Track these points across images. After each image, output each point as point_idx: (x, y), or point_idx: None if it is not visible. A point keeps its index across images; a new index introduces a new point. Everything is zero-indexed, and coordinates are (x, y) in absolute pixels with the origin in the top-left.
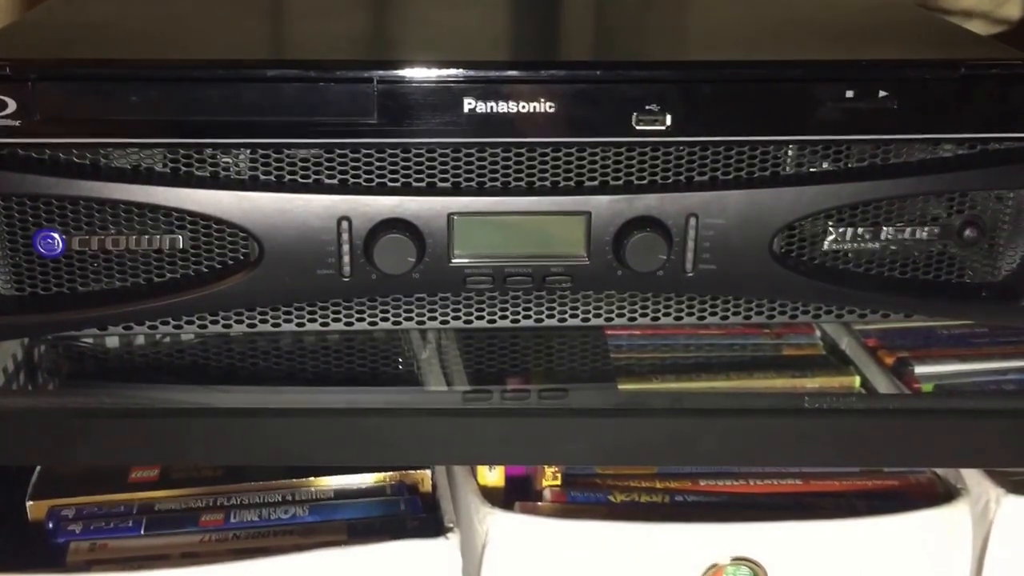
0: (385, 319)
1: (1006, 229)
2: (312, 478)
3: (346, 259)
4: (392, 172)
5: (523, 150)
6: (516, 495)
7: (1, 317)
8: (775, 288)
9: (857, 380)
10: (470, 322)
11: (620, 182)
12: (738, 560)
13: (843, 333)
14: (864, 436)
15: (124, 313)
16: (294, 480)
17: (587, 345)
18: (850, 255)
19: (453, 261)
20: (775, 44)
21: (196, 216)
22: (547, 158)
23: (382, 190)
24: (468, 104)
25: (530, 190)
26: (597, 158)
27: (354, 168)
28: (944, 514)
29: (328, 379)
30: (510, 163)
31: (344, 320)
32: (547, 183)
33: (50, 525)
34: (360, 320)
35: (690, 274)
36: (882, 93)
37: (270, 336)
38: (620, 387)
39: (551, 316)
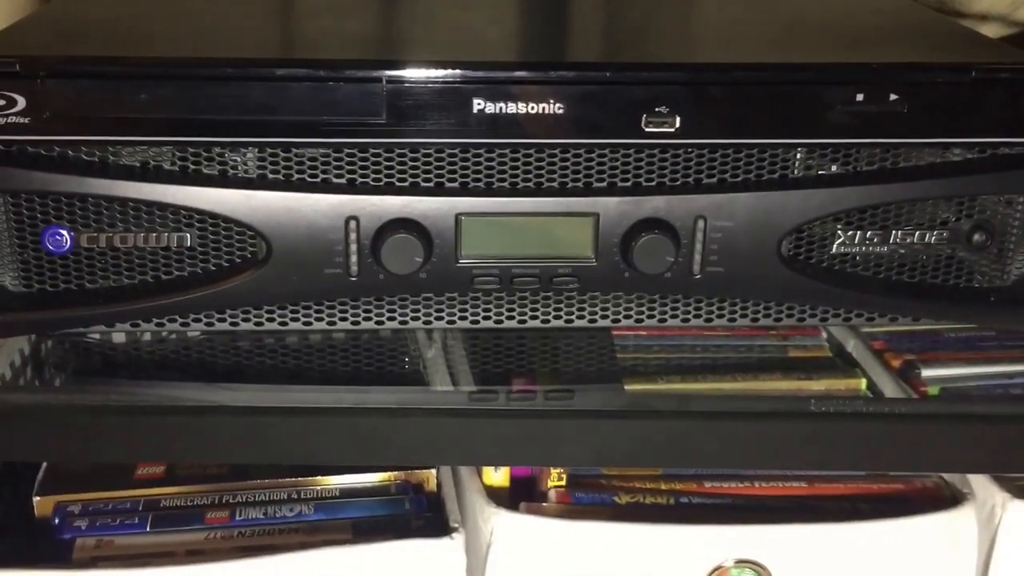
0: (392, 319)
1: (1015, 233)
2: (317, 476)
3: (353, 258)
4: (400, 172)
5: (531, 151)
6: (521, 495)
7: (9, 313)
8: (783, 291)
9: (863, 383)
10: (477, 322)
11: (628, 184)
12: (742, 562)
13: (849, 335)
14: (870, 439)
15: (131, 310)
16: (299, 478)
17: (593, 346)
18: (858, 258)
19: (460, 261)
20: (785, 46)
21: (204, 214)
22: (555, 159)
23: (390, 190)
24: (477, 104)
25: (538, 191)
26: (605, 159)
27: (362, 168)
28: (949, 519)
29: (334, 378)
30: (518, 164)
31: (351, 319)
32: (555, 184)
33: (56, 521)
34: (367, 319)
35: (698, 276)
36: (892, 96)
37: (277, 335)
38: (626, 388)
39: (558, 317)
